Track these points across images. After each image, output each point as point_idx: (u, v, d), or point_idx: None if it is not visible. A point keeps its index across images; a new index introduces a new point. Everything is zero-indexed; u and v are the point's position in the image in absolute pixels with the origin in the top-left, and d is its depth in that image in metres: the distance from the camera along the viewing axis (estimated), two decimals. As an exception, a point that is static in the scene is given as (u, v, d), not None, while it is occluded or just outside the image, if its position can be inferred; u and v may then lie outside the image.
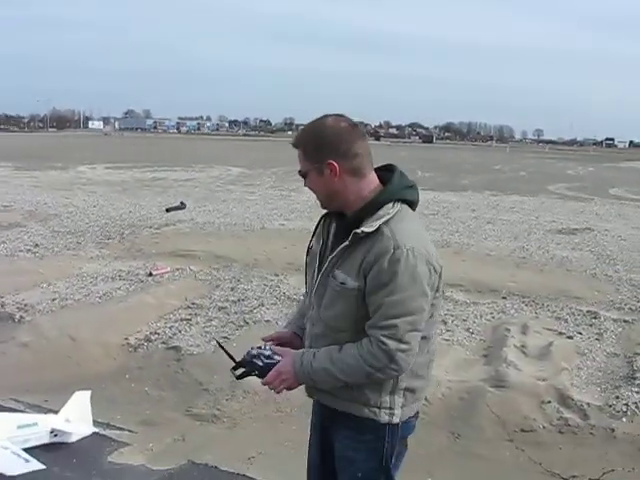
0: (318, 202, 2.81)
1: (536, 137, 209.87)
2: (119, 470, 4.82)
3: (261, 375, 2.70)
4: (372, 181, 2.71)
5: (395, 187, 2.69)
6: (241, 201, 18.64)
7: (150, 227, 13.72)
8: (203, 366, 6.30)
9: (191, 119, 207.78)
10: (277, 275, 9.59)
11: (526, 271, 10.54)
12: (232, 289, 8.84)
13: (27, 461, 4.54)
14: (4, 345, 7.07)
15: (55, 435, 5.14)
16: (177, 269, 9.88)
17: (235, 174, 29.26)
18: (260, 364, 2.69)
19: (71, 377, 6.22)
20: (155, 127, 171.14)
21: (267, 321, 7.34)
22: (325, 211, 2.85)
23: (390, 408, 2.70)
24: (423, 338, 2.65)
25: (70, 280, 9.22)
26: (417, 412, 2.87)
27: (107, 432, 5.35)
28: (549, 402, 5.53)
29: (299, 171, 2.76)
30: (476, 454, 5.09)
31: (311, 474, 3.09)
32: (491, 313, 8.14)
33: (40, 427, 5.10)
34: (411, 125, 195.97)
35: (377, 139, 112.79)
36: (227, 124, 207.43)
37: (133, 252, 11.28)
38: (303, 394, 2.91)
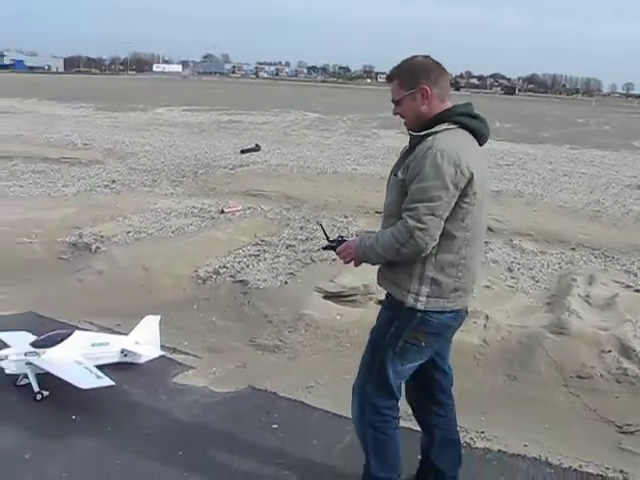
0: (405, 126, 3.37)
1: (625, 91, 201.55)
2: (183, 390, 5.05)
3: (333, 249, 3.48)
4: (447, 107, 3.28)
5: (455, 111, 3.25)
6: (315, 145, 18.68)
7: (224, 167, 13.94)
8: (268, 300, 6.47)
9: (270, 64, 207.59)
10: (346, 217, 9.69)
11: (599, 224, 10.32)
12: (301, 228, 8.98)
13: (98, 377, 4.79)
14: (81, 273, 7.41)
15: (125, 355, 5.41)
16: (248, 208, 10.07)
17: (311, 119, 29.25)
18: (337, 242, 3.47)
19: (142, 304, 6.48)
20: (233, 71, 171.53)
21: (334, 260, 7.42)
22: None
23: (416, 294, 3.19)
24: (450, 236, 3.13)
25: (144, 215, 9.51)
26: (446, 312, 3.26)
27: (174, 356, 5.60)
28: (609, 351, 5.48)
29: (392, 99, 3.33)
30: (530, 397, 5.12)
31: None
32: (558, 263, 8.04)
33: (111, 347, 5.37)
34: (493, 76, 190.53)
35: (457, 89, 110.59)
36: (305, 70, 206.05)
37: (206, 190, 11.52)
38: (363, 332, 3.05)
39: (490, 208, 3.52)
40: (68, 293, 6.93)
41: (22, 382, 4.99)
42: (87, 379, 4.76)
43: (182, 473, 4.02)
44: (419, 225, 3.04)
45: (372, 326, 3.53)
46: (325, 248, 3.63)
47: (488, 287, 6.91)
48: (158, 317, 5.69)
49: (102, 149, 16.00)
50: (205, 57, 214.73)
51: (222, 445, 4.34)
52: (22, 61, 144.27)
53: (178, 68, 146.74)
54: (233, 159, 15.05)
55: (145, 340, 5.53)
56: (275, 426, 4.57)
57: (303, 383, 5.17)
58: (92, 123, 22.61)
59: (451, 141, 3.13)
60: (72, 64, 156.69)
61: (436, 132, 3.15)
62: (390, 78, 3.35)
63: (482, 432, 4.58)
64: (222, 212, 9.79)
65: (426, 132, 3.18)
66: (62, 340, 5.13)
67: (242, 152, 16.01)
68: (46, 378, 4.86)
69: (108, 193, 11.12)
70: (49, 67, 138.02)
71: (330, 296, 6.58)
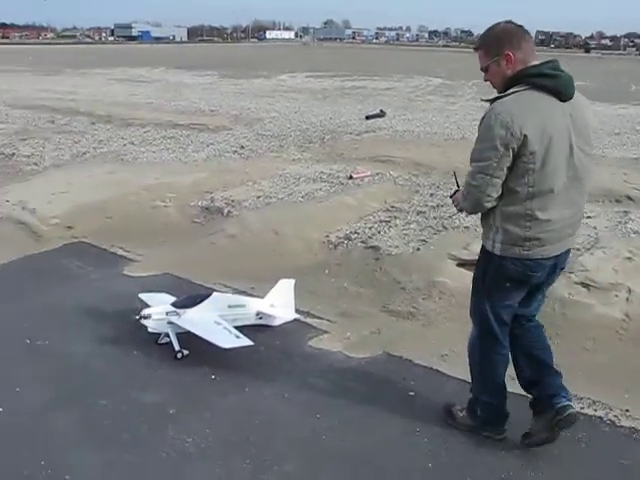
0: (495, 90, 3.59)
1: None
2: (318, 354, 5.06)
3: None
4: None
5: (525, 73, 3.42)
6: (441, 111, 18.27)
7: (350, 133, 13.85)
8: (401, 266, 6.38)
9: (390, 29, 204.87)
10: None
11: None
12: (431, 195, 8.79)
13: (238, 337, 4.89)
14: (214, 236, 7.55)
15: (260, 318, 5.47)
16: (377, 174, 9.95)
17: (435, 84, 28.64)
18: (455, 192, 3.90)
19: (274, 268, 6.52)
20: (353, 37, 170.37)
21: (466, 227, 7.24)
22: None
23: (493, 241, 3.60)
24: (512, 191, 3.44)
25: (274, 180, 9.58)
26: (524, 260, 3.55)
27: (308, 320, 5.61)
28: None
29: (481, 68, 3.58)
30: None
31: None
32: None
33: (248, 309, 5.46)
34: (628, 35, 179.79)
35: (587, 51, 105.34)
36: (427, 35, 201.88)
37: (333, 156, 11.47)
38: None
39: (592, 166, 3.63)
40: (202, 256, 7.08)
41: (163, 341, 5.15)
42: (227, 339, 4.86)
43: (320, 436, 4.03)
44: (472, 182, 3.48)
45: None
46: (451, 196, 4.00)
47: (629, 259, 6.50)
48: (293, 281, 5.71)
49: (229, 115, 16.25)
50: (325, 23, 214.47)
51: (359, 411, 4.31)
52: (149, 32, 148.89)
53: (290, 35, 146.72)
54: (358, 125, 14.93)
55: (280, 303, 5.58)
56: (412, 393, 4.51)
57: (438, 351, 5.07)
58: (218, 90, 23.01)
59: (509, 104, 3.36)
60: (195, 33, 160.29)
61: (503, 96, 3.42)
62: (476, 48, 3.60)
63: (627, 410, 4.36)
64: (350, 178, 9.71)
65: (495, 96, 3.48)
66: (201, 301, 5.25)
67: (367, 118, 15.86)
68: (185, 338, 5.00)
69: (237, 158, 11.28)
70: (173, 37, 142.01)
71: (464, 264, 6.39)
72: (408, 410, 4.30)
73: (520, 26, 3.49)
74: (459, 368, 4.75)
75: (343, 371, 4.80)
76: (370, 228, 7.42)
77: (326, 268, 6.66)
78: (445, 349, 5.07)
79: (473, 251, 6.45)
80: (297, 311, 5.62)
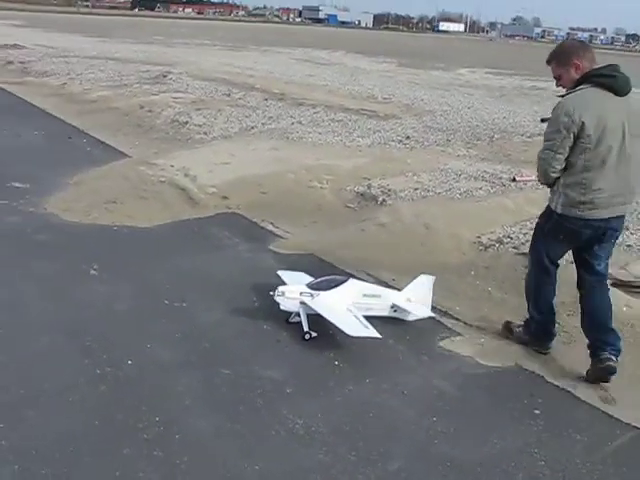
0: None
1: None
2: (447, 356, 4.89)
3: None
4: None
5: (588, 74, 4.45)
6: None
7: (522, 135, 13.33)
8: (550, 277, 6.02)
9: (583, 30, 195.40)
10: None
11: None
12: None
13: (366, 327, 4.80)
14: (364, 223, 7.50)
15: (395, 311, 5.36)
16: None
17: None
18: None
19: (420, 262, 6.37)
20: (542, 36, 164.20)
21: (628, 246, 6.75)
22: None
23: (556, 203, 4.61)
24: (571, 164, 4.44)
25: (434, 174, 9.39)
26: (580, 219, 4.51)
27: (443, 320, 5.44)
28: None
29: (554, 76, 4.65)
30: None
31: None
32: None
33: (383, 300, 5.35)
34: None
35: None
36: (623, 38, 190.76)
37: (500, 156, 11.10)
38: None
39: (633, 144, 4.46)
40: (349, 241, 7.05)
41: (293, 319, 5.16)
42: (356, 327, 4.79)
43: (433, 440, 3.88)
44: (542, 156, 4.54)
45: None
46: None
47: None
48: (433, 278, 5.54)
49: (400, 104, 16.14)
50: (514, 19, 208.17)
51: (478, 420, 4.12)
52: (335, 16, 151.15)
53: (460, 27, 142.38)
54: (532, 127, 14.32)
55: (417, 299, 5.43)
56: (537, 412, 4.24)
57: (574, 372, 4.73)
58: (393, 78, 22.95)
59: (573, 98, 4.42)
60: (381, 20, 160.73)
61: (569, 93, 4.47)
62: (549, 62, 4.66)
63: None
64: (514, 180, 9.34)
65: (564, 94, 4.53)
66: (336, 286, 5.21)
67: (542, 121, 14.90)
68: (316, 320, 4.99)
69: (401, 148, 11.17)
70: (359, 22, 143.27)
71: (619, 284, 5.96)
72: (529, 429, 4.05)
73: (582, 41, 4.82)
74: (593, 395, 4.45)
75: (470, 377, 4.60)
76: (525, 234, 7.06)
77: (472, 269, 6.42)
78: (582, 371, 4.72)
79: (632, 272, 6.03)
80: (434, 309, 5.46)
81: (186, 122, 12.24)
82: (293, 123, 12.60)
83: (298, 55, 31.60)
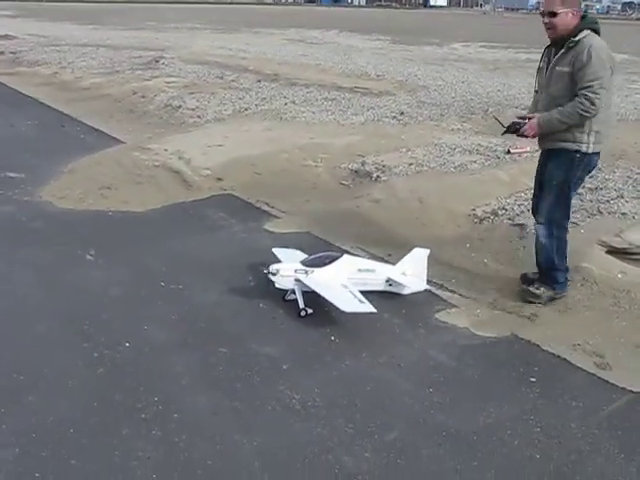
0: (550, 36, 4.94)
1: None
2: (443, 328, 4.91)
3: (518, 131, 5.02)
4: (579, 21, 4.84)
5: (587, 22, 4.83)
6: (620, 89, 17.12)
7: (516, 107, 13.23)
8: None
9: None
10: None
11: None
12: (591, 176, 8.25)
13: (362, 302, 4.81)
14: (359, 200, 7.51)
15: (390, 285, 5.37)
16: (536, 150, 9.46)
17: (618, 60, 26.88)
18: (519, 124, 5.00)
19: (415, 237, 6.39)
20: (537, 8, 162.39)
21: (623, 214, 6.74)
22: (545, 46, 5.10)
23: (587, 143, 4.87)
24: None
25: (428, 148, 9.37)
26: (599, 153, 4.99)
27: (439, 292, 5.46)
28: None
29: (548, 11, 4.80)
30: None
31: (533, 197, 5.59)
32: None
33: (377, 274, 5.36)
34: None
35: None
36: (619, 7, 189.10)
37: (494, 129, 10.99)
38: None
39: None
40: (344, 218, 7.06)
41: (290, 297, 5.19)
42: (350, 303, 4.80)
43: (429, 411, 3.91)
44: (597, 96, 4.64)
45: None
46: (504, 133, 5.32)
47: None
48: (427, 250, 5.55)
49: (394, 81, 16.07)
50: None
51: (474, 390, 4.15)
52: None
53: (443, 2, 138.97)
54: (527, 99, 14.22)
55: (412, 272, 5.44)
56: (533, 379, 4.27)
57: (569, 340, 4.76)
58: (387, 56, 22.84)
59: (597, 40, 4.75)
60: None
61: (585, 36, 4.73)
62: (550, 3, 4.81)
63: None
64: (508, 152, 9.31)
65: (580, 37, 4.73)
66: (331, 262, 5.22)
67: (536, 92, 15.13)
68: (311, 297, 5.00)
69: (395, 124, 11.13)
70: (352, 1, 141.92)
71: (614, 251, 5.97)
72: (525, 397, 4.07)
73: None
74: (590, 360, 4.49)
75: (466, 348, 4.63)
76: (519, 205, 7.07)
77: (468, 242, 6.43)
78: (578, 339, 4.74)
79: (626, 239, 6.05)
80: (430, 282, 5.48)
81: (179, 106, 12.21)
82: (286, 103, 12.56)
83: (291, 35, 31.42)
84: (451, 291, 5.50)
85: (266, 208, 7.44)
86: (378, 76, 16.93)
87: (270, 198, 7.64)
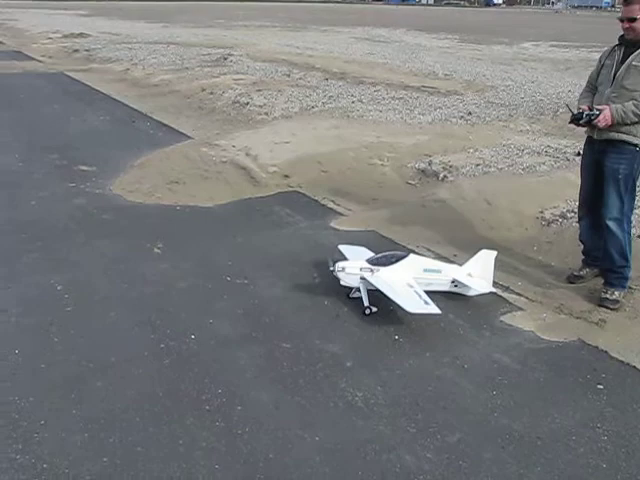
0: (629, 37, 5.04)
1: None
2: (508, 331, 4.84)
3: (590, 120, 5.04)
4: None
5: None
6: None
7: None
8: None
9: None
10: None
11: None
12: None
13: (427, 303, 4.77)
14: (425, 199, 7.47)
15: (455, 286, 5.32)
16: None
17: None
18: (593, 114, 5.02)
19: (481, 238, 6.34)
20: (612, 5, 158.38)
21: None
22: (613, 45, 5.24)
23: None
24: None
25: (496, 149, 9.25)
26: None
27: (505, 295, 5.38)
28: None
29: (628, 17, 4.93)
30: None
31: (585, 192, 5.61)
32: None
33: (443, 275, 5.32)
34: None
35: None
36: None
37: (565, 130, 10.81)
38: None
39: None
40: (410, 218, 7.03)
41: (354, 295, 5.19)
42: (416, 303, 4.77)
43: (493, 413, 3.86)
44: None
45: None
46: (572, 122, 5.31)
47: None
48: (494, 253, 5.48)
49: (462, 80, 15.91)
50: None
51: (538, 395, 4.07)
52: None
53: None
54: (598, 99, 13.94)
55: (478, 274, 5.38)
56: (600, 386, 4.17)
57: (639, 347, 4.64)
58: (455, 55, 22.61)
59: None
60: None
61: None
62: (631, 2, 4.91)
63: None
64: (578, 154, 9.10)
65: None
66: (397, 261, 5.20)
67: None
68: (377, 295, 4.99)
69: (462, 124, 11.03)
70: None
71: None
72: (592, 404, 3.98)
73: None
74: (660, 369, 4.36)
75: (531, 352, 4.55)
76: (588, 208, 6.93)
77: (535, 245, 6.34)
78: (648, 346, 4.63)
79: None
80: (496, 284, 5.41)
81: (247, 103, 12.35)
82: (353, 102, 12.57)
83: (358, 34, 31.42)
84: (517, 294, 5.42)
85: (332, 206, 7.47)
86: (446, 75, 16.78)
87: (336, 196, 7.67)
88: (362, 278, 5.06)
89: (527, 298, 5.35)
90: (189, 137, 10.33)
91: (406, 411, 3.84)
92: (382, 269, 5.09)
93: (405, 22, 43.16)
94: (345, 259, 5.33)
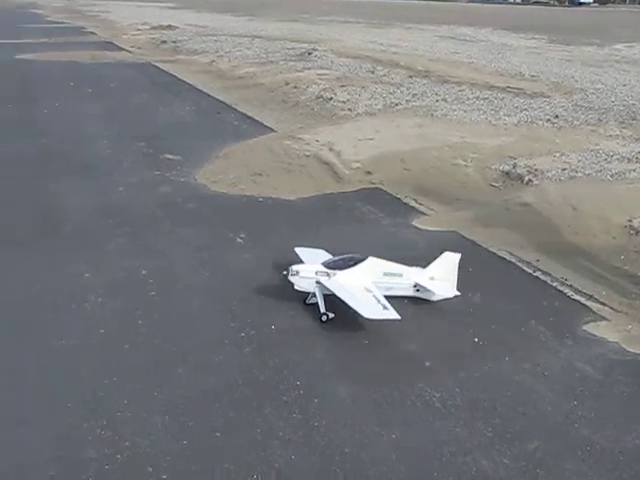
0: None
1: None
2: (591, 341, 4.73)
3: None
4: None
5: None
6: None
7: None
8: None
9: None
10: None
11: None
12: None
13: (385, 308, 4.62)
14: (509, 202, 7.35)
15: (417, 290, 5.16)
16: None
17: None
18: None
19: (566, 244, 6.23)
20: None
21: None
22: None
23: None
24: None
25: (583, 154, 9.02)
26: None
27: (588, 303, 5.25)
28: None
29: None
30: None
31: None
32: None
33: (404, 279, 5.15)
34: None
35: None
36: None
37: (658, 137, 10.49)
38: None
39: None
40: (494, 220, 6.93)
41: (311, 301, 5.01)
42: (373, 309, 4.62)
43: (573, 423, 3.80)
44: None
45: None
46: None
47: None
48: (458, 255, 5.29)
49: (549, 82, 15.54)
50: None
51: (622, 407, 3.98)
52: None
53: None
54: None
55: (441, 277, 5.21)
56: (690, 404, 4.03)
57: None
58: (542, 55, 22.10)
59: None
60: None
61: None
62: None
63: None
64: (669, 161, 8.82)
65: None
66: (355, 264, 5.04)
67: None
68: (334, 300, 4.85)
69: (549, 127, 10.78)
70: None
71: None
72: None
73: None
74: None
75: (615, 363, 4.43)
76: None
77: (622, 254, 6.16)
78: None
79: None
80: (579, 292, 5.31)
81: (330, 98, 12.38)
82: (437, 100, 12.45)
83: (443, 32, 31.06)
84: (601, 303, 5.28)
85: (414, 204, 7.43)
86: (532, 76, 16.43)
87: (418, 195, 7.63)
88: (318, 282, 4.88)
89: (612, 308, 5.21)
90: (273, 130, 10.43)
91: (484, 414, 3.81)
92: (339, 273, 4.94)
93: (491, 21, 42.40)
94: (301, 262, 5.17)
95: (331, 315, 4.80)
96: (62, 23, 36.08)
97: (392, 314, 4.55)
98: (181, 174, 8.12)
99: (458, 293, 5.18)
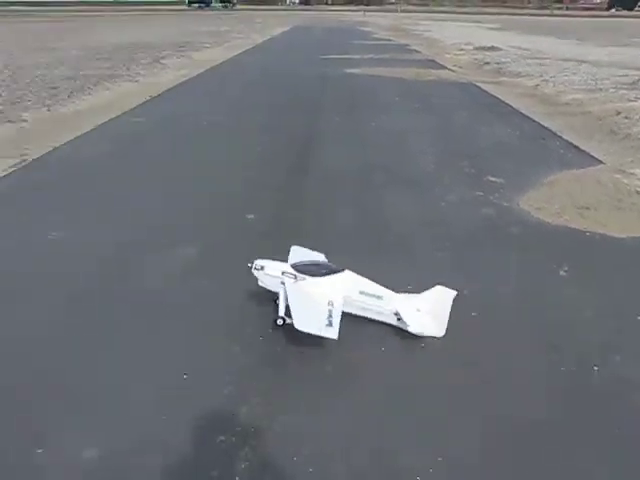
0: None
1: None
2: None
3: None
4: None
5: None
6: None
7: None
8: None
9: None
10: None
11: None
12: None
13: (328, 325, 4.17)
14: None
15: (399, 319, 4.63)
16: None
17: None
18: None
19: None
20: None
21: None
22: None
23: None
24: None
25: None
26: None
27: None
28: None
29: None
30: None
31: None
32: None
33: (384, 303, 4.66)
34: None
35: None
36: None
37: None
38: None
39: None
40: None
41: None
42: (312, 322, 4.18)
43: None
44: None
45: None
46: None
47: None
48: (454, 292, 4.77)
49: None
50: None
51: None
52: None
53: None
54: None
55: (428, 311, 4.64)
56: None
57: None
58: None
59: None
60: None
61: None
62: None
63: None
64: None
65: None
66: (327, 274, 4.61)
67: None
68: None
69: None
70: None
71: None
72: None
73: None
74: None
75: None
76: None
77: None
78: None
79: None
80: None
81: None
82: None
83: None
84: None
85: None
86: None
87: None
88: (282, 283, 4.55)
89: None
90: (600, 162, 9.93)
91: None
92: (308, 279, 4.54)
93: None
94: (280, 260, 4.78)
95: (288, 320, 4.43)
96: (388, 40, 37.87)
97: (331, 333, 4.14)
98: (503, 197, 8.06)
99: (443, 334, 4.59)
